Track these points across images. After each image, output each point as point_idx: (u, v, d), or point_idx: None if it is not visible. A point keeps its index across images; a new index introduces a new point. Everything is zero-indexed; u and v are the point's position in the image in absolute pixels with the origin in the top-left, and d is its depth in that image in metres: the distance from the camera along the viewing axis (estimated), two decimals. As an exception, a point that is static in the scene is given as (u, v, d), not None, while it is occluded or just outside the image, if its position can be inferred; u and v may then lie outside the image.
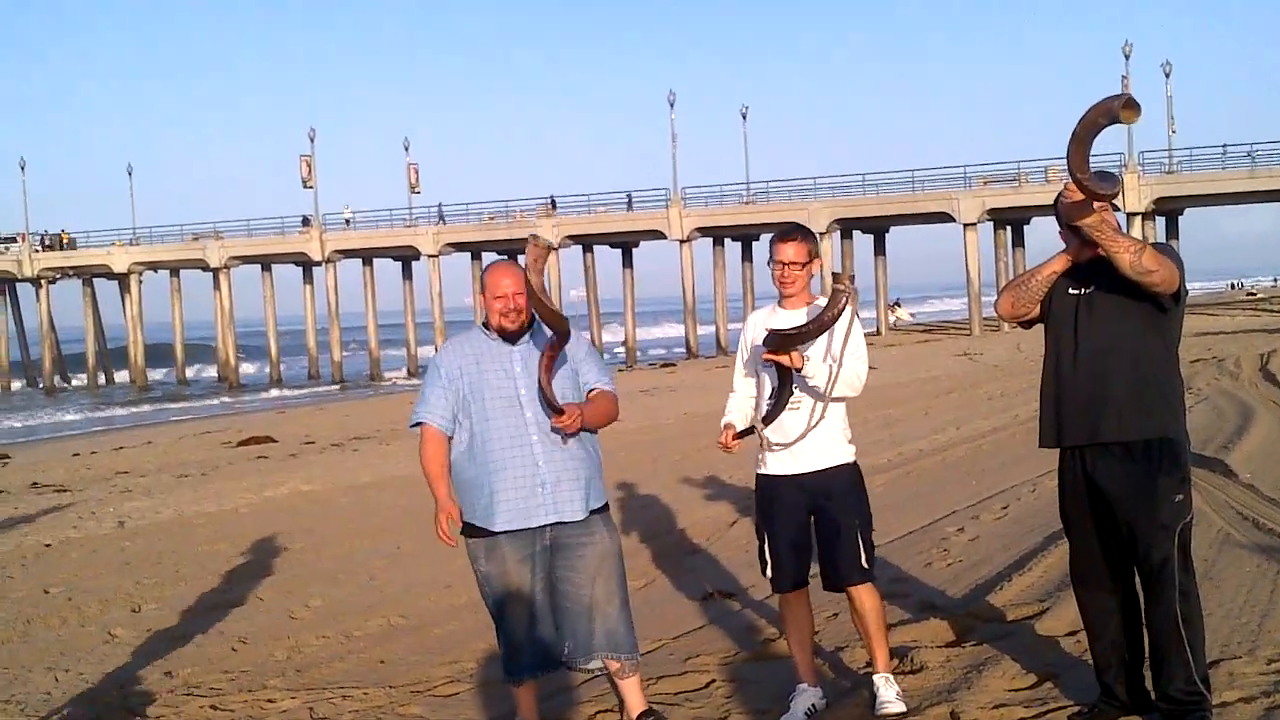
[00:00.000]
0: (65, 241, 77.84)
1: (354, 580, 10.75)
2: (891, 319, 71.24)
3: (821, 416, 5.98)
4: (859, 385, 5.99)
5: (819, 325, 5.75)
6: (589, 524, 5.77)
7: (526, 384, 5.71)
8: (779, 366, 5.89)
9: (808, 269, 6.07)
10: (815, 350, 5.92)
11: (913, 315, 79.83)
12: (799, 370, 5.84)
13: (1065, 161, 4.77)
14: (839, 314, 5.70)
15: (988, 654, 6.73)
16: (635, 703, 5.90)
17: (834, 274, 5.66)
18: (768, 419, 6.04)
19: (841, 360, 5.88)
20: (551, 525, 5.70)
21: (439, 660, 8.06)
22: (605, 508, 5.93)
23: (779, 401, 5.98)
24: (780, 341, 5.82)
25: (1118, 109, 4.52)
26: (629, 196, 69.25)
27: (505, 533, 5.66)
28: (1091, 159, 4.78)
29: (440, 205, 73.07)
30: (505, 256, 72.77)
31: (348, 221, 73.00)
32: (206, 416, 43.00)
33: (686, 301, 66.36)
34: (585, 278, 69.92)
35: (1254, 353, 29.78)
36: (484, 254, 73.44)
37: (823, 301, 5.89)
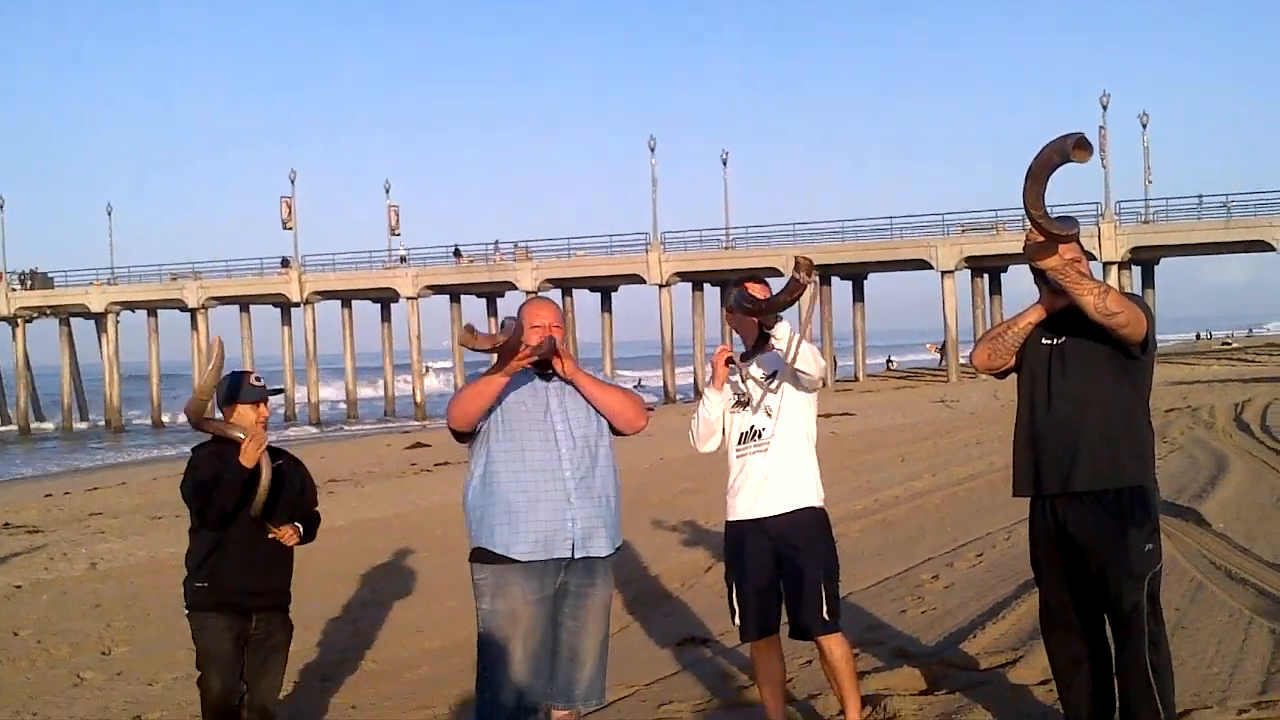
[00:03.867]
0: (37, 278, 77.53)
1: (330, 625, 10.69)
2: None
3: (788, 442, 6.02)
4: (816, 370, 5.98)
5: (786, 295, 5.77)
6: (595, 570, 5.74)
7: (562, 419, 5.70)
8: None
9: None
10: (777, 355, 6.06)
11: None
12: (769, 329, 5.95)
13: (1022, 201, 4.83)
14: (799, 292, 5.68)
15: (960, 702, 6.74)
16: None
17: (796, 259, 5.62)
18: (745, 358, 6.14)
19: (798, 348, 5.88)
20: (569, 563, 5.64)
21: (411, 705, 8.02)
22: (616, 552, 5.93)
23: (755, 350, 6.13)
24: (751, 309, 5.95)
25: (1070, 147, 4.58)
26: (609, 240, 69.47)
27: (522, 564, 5.58)
28: (1069, 208, 4.82)
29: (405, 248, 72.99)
30: (485, 299, 73.19)
31: (404, 259, 72.48)
32: (181, 459, 42.66)
33: (665, 346, 66.45)
34: (564, 322, 69.90)
35: (1228, 402, 29.92)
36: (463, 296, 73.52)
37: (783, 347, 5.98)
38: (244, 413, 6.28)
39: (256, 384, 6.38)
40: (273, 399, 6.68)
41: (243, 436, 6.11)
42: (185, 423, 6.29)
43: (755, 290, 6.05)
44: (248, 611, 6.26)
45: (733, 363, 6.17)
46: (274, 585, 6.35)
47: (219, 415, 6.34)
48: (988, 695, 6.80)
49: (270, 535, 6.23)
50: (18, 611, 12.13)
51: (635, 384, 78.60)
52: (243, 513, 6.16)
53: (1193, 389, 36.57)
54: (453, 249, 72.01)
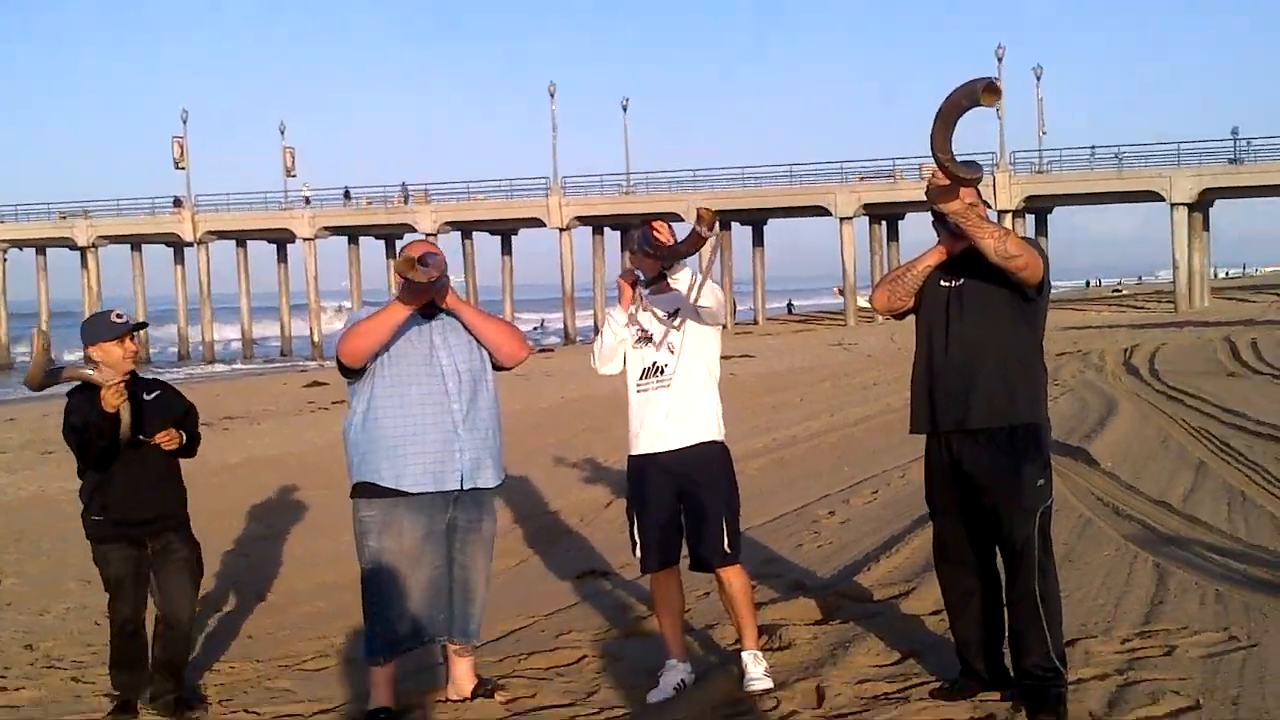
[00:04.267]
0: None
1: (225, 558, 10.60)
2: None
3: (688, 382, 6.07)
4: (716, 305, 6.02)
5: (687, 246, 5.79)
6: (483, 504, 5.77)
7: (447, 355, 5.69)
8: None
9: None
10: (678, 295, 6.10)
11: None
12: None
13: (929, 143, 4.81)
14: (701, 244, 5.68)
15: (854, 632, 6.84)
16: (471, 677, 6.10)
17: (698, 211, 5.56)
18: (648, 284, 6.14)
19: (702, 286, 5.90)
20: (457, 496, 5.65)
21: (307, 636, 8.01)
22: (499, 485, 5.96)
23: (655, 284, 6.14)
24: (653, 254, 6.00)
25: (979, 90, 4.57)
26: (509, 184, 69.11)
27: (411, 497, 5.58)
28: (963, 157, 4.85)
29: (311, 188, 72.21)
30: (383, 241, 72.56)
31: (307, 200, 71.42)
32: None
33: (565, 289, 66.40)
34: (464, 265, 69.61)
35: (1118, 347, 30.51)
36: (361, 239, 72.86)
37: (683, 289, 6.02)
38: (110, 349, 6.24)
39: (118, 320, 6.36)
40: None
41: (100, 380, 6.08)
42: (79, 360, 6.29)
43: (660, 233, 6.06)
44: (141, 539, 6.31)
45: (638, 284, 6.17)
46: (164, 510, 6.39)
47: (72, 359, 6.37)
48: (881, 625, 6.91)
49: (152, 442, 6.24)
50: (-98, 546, 11.89)
51: (538, 325, 78.61)
52: (124, 448, 6.20)
53: (1084, 334, 37.28)
54: (343, 191, 71.32)
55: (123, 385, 6.07)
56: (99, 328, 6.30)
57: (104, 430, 6.08)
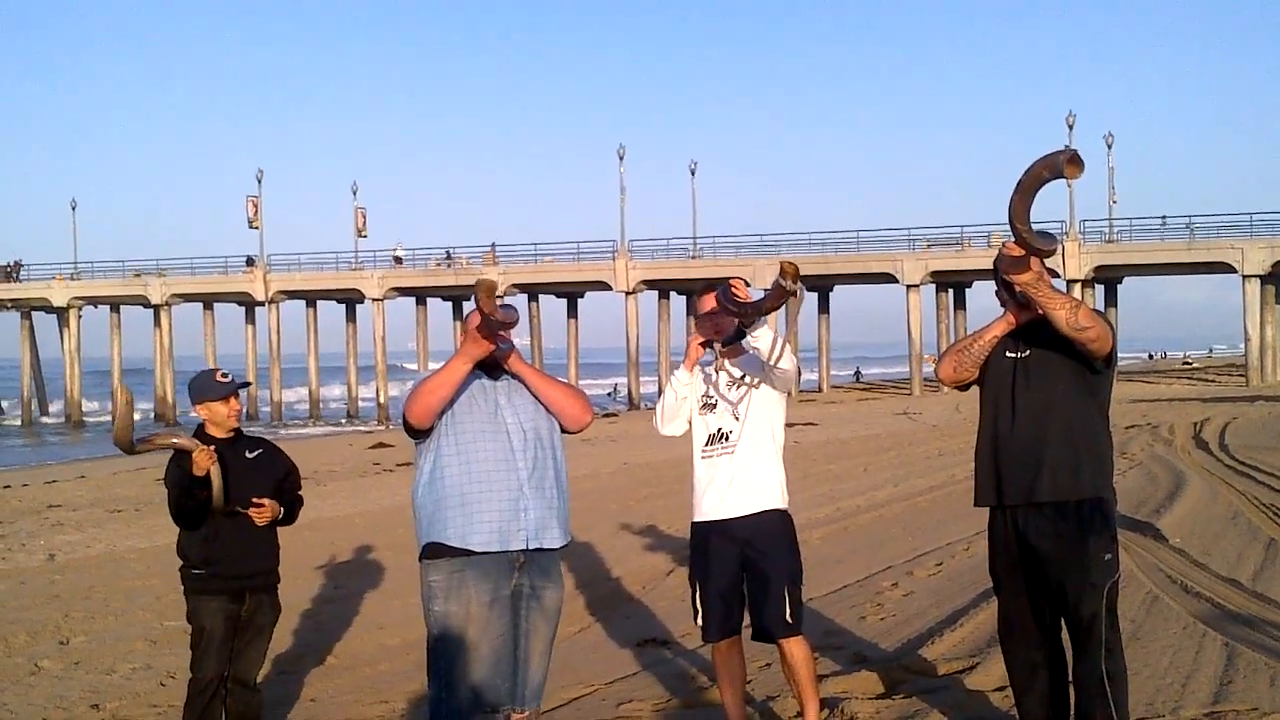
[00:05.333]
0: (13, 270, 77.19)
1: (293, 619, 10.66)
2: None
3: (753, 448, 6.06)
4: (792, 369, 6.05)
5: (770, 301, 5.74)
6: (548, 571, 5.74)
7: (512, 414, 5.71)
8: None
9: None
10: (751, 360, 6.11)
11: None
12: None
13: (1008, 213, 4.76)
14: (784, 298, 5.59)
15: (917, 706, 6.79)
16: None
17: (781, 264, 5.49)
18: (727, 343, 6.14)
19: (781, 349, 5.92)
20: (522, 562, 5.63)
21: (370, 700, 8.03)
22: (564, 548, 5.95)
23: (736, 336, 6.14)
24: (736, 310, 5.97)
25: (1062, 163, 4.53)
26: (576, 247, 69.55)
27: (477, 559, 5.56)
28: (1033, 223, 4.83)
29: (404, 248, 73.01)
30: (449, 302, 73.09)
31: (398, 259, 72.44)
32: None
33: (630, 353, 66.50)
34: (530, 327, 69.95)
35: (1188, 421, 30.17)
36: (429, 299, 73.41)
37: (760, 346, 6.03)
38: (215, 408, 6.48)
39: (223, 380, 6.52)
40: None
41: (189, 446, 6.25)
42: (147, 418, 6.42)
43: (739, 290, 6.06)
44: (242, 593, 6.49)
45: (709, 346, 6.18)
46: (264, 566, 6.60)
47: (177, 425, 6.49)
48: (944, 700, 6.85)
49: (245, 513, 6.40)
50: (-26, 601, 12.06)
51: (611, 390, 78.76)
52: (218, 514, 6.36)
53: (1153, 407, 36.88)
54: (444, 252, 72.12)
55: (213, 450, 6.20)
56: (206, 386, 6.49)
57: (194, 494, 6.25)
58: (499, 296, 5.60)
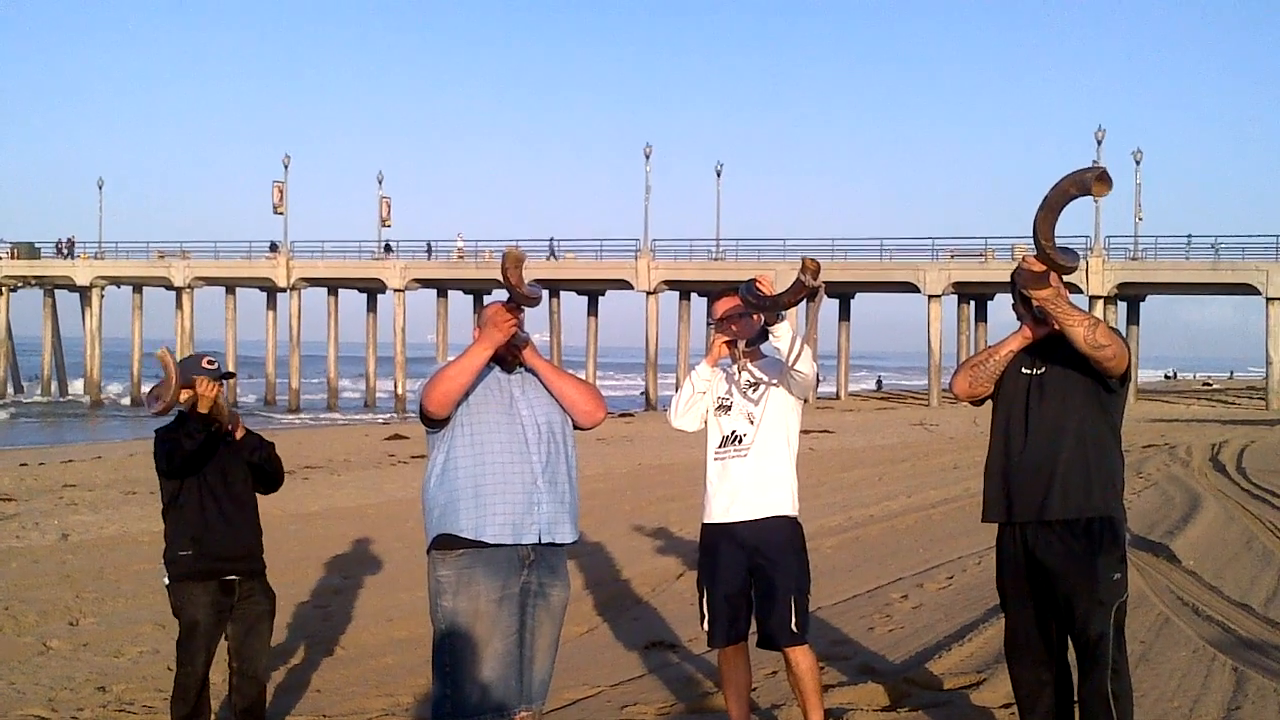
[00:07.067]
0: (67, 248, 77.65)
1: (299, 609, 10.71)
2: None
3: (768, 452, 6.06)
4: (811, 372, 6.06)
5: (790, 295, 5.74)
6: (556, 569, 5.73)
7: (526, 406, 5.70)
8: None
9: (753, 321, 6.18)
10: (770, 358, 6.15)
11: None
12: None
13: (1032, 228, 4.74)
14: (803, 293, 5.63)
15: (921, 720, 6.77)
16: None
17: (803, 260, 5.54)
18: (749, 345, 6.15)
19: (800, 347, 5.92)
20: (532, 559, 5.61)
21: (375, 692, 8.04)
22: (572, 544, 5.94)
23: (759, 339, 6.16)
24: (757, 304, 5.96)
25: (1090, 180, 4.52)
26: (599, 244, 69.57)
27: (487, 555, 5.54)
28: (1056, 238, 4.80)
29: (429, 243, 73.10)
30: (470, 295, 73.16)
31: (460, 254, 71.99)
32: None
33: (649, 353, 66.48)
34: (549, 323, 70.00)
35: (1206, 442, 30.06)
36: (450, 292, 73.48)
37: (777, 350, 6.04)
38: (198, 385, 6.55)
39: (209, 366, 6.61)
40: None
41: (197, 388, 6.43)
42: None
43: (764, 285, 6.05)
44: (230, 582, 6.49)
45: (733, 345, 6.18)
46: (247, 548, 6.60)
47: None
48: (950, 715, 6.84)
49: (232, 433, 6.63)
50: (-13, 578, 12.11)
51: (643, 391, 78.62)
52: (208, 478, 6.49)
53: (1171, 427, 36.76)
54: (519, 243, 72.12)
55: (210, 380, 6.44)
56: (190, 369, 6.55)
57: (194, 434, 6.38)
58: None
